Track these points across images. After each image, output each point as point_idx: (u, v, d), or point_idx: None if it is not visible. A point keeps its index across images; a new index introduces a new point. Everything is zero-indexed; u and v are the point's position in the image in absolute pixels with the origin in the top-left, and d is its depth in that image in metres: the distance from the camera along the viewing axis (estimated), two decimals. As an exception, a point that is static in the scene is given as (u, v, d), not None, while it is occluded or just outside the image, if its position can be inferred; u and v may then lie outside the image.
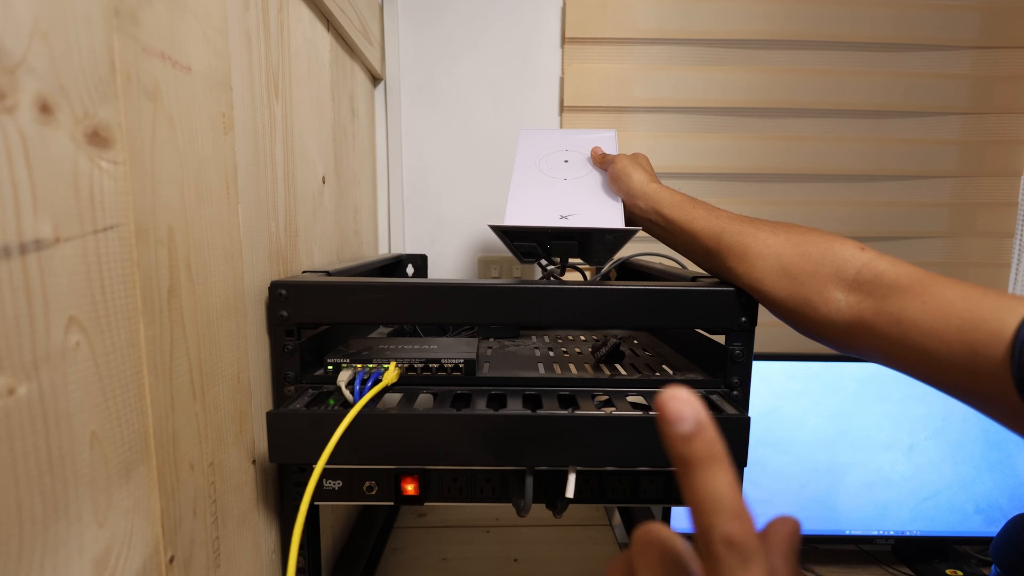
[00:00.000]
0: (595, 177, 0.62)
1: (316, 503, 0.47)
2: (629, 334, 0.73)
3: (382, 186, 0.94)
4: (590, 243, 0.54)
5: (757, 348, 0.50)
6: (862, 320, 0.39)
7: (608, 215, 0.57)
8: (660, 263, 0.71)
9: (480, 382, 0.50)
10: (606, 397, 0.48)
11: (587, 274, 0.85)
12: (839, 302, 0.41)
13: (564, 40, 0.91)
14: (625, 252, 0.73)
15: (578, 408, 0.46)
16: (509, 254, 0.97)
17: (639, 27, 0.90)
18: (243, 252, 0.44)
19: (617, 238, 0.54)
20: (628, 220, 0.57)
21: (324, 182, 0.66)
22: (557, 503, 0.45)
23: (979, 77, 0.93)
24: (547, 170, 0.63)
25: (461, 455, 0.43)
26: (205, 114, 0.38)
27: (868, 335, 0.39)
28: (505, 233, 0.56)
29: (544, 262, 0.76)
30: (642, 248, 0.75)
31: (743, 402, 0.49)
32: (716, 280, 0.51)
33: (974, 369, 0.33)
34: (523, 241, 0.56)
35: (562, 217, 0.57)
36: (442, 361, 0.49)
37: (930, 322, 0.35)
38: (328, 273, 0.53)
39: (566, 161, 0.63)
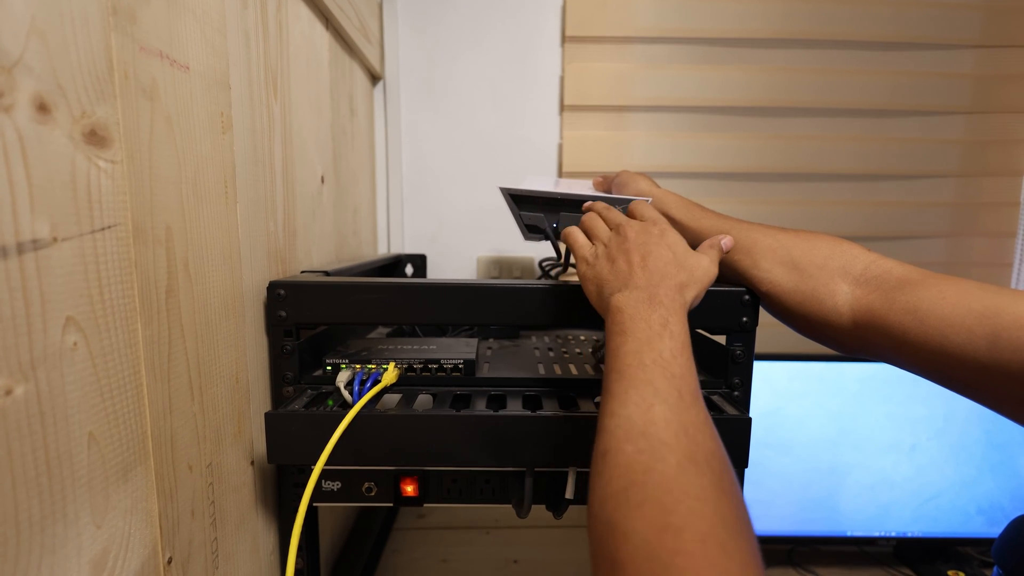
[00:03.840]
0: (601, 193, 0.63)
1: (315, 504, 0.47)
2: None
3: (381, 186, 0.94)
4: None
5: (758, 348, 0.50)
6: (871, 311, 0.40)
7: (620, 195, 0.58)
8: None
9: (480, 382, 0.50)
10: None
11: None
12: (846, 295, 0.42)
13: (564, 39, 0.91)
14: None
15: (578, 409, 0.45)
16: (509, 254, 0.97)
17: (639, 26, 0.90)
18: (241, 252, 0.44)
19: (627, 211, 0.54)
20: None
21: (323, 182, 0.66)
22: (557, 504, 0.45)
23: (981, 76, 0.93)
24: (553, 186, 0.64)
25: (461, 456, 0.43)
26: (203, 113, 0.38)
27: (879, 327, 0.39)
28: (513, 199, 0.56)
29: (546, 263, 0.75)
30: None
31: (744, 403, 0.49)
32: (717, 280, 0.51)
33: (995, 355, 0.33)
34: (531, 210, 0.56)
35: None
36: (441, 361, 0.49)
37: (950, 309, 0.35)
38: (327, 273, 0.53)
39: (569, 189, 0.64)
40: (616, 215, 0.45)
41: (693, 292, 0.38)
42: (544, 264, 0.77)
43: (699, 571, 0.22)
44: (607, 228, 0.43)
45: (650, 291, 0.36)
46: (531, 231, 0.57)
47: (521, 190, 0.56)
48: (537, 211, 0.56)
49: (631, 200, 0.54)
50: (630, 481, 0.26)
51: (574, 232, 0.45)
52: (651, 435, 0.28)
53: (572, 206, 0.56)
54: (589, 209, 0.48)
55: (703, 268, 0.39)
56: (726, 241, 0.43)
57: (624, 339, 0.33)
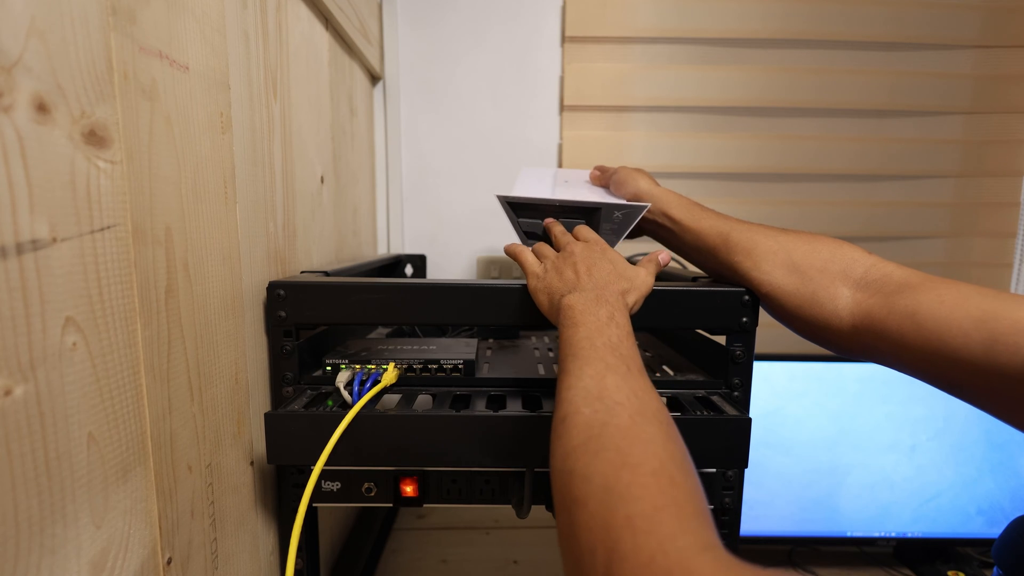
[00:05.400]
0: (597, 188, 0.62)
1: (314, 505, 0.47)
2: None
3: (381, 186, 0.94)
4: (597, 222, 0.55)
5: (758, 348, 0.50)
6: (871, 315, 0.40)
7: (616, 201, 0.57)
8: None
9: (479, 383, 0.50)
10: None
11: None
12: (846, 298, 0.42)
13: (564, 39, 0.91)
14: (625, 252, 0.73)
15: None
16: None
17: (639, 26, 0.90)
18: (241, 252, 0.44)
19: (627, 215, 0.54)
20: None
21: (323, 182, 0.66)
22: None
23: (981, 76, 0.93)
24: (549, 182, 0.63)
25: (460, 456, 0.43)
26: (203, 113, 0.38)
27: (878, 331, 0.39)
28: (511, 206, 0.56)
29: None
30: (642, 249, 0.75)
31: (744, 403, 0.49)
32: (717, 280, 0.51)
33: (992, 360, 0.33)
34: (528, 217, 0.56)
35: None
36: (441, 362, 0.49)
37: (948, 312, 0.35)
38: (327, 273, 0.53)
39: (566, 181, 0.63)
40: (564, 237, 0.50)
41: (633, 297, 0.42)
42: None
43: (652, 498, 0.25)
44: (554, 251, 0.48)
45: (596, 292, 0.40)
46: (530, 237, 0.57)
47: (518, 197, 0.55)
48: (535, 218, 0.56)
49: (629, 205, 0.54)
50: (589, 435, 0.29)
51: (524, 251, 0.50)
52: (605, 398, 0.31)
53: (570, 213, 0.55)
54: (549, 227, 0.53)
55: (641, 278, 0.44)
56: (663, 256, 0.49)
57: (576, 329, 0.37)
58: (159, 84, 0.33)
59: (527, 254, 0.49)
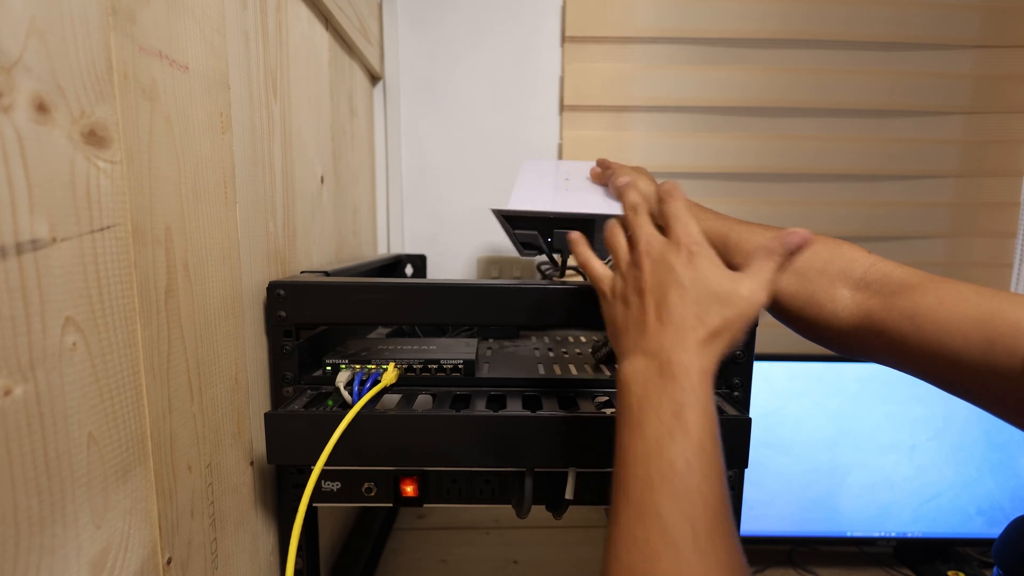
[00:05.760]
0: (598, 188, 0.62)
1: (314, 505, 0.47)
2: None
3: (381, 186, 0.94)
4: (593, 232, 0.54)
5: (758, 348, 0.50)
6: (870, 316, 0.40)
7: (613, 209, 0.57)
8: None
9: (479, 383, 0.50)
10: (606, 398, 0.48)
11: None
12: (845, 299, 0.42)
13: (564, 39, 0.91)
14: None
15: (578, 409, 0.45)
16: (509, 254, 0.97)
17: (639, 26, 0.90)
18: (241, 252, 0.44)
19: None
20: None
21: (323, 182, 0.66)
22: (557, 504, 0.45)
23: (981, 76, 0.93)
24: (550, 182, 0.63)
25: (460, 456, 0.43)
26: (203, 113, 0.38)
27: (877, 331, 0.39)
28: (507, 219, 0.56)
29: (544, 266, 0.75)
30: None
31: (744, 403, 0.49)
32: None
33: (991, 360, 0.33)
34: (524, 229, 0.56)
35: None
36: (441, 362, 0.49)
37: (946, 314, 0.35)
38: (327, 273, 0.53)
39: (567, 179, 0.63)
40: (642, 227, 0.36)
41: (725, 340, 0.31)
42: (542, 267, 0.77)
43: None
44: (627, 250, 0.37)
45: (663, 358, 0.31)
46: (527, 248, 0.57)
47: (514, 211, 0.55)
48: (531, 228, 0.56)
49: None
50: None
51: (592, 262, 0.40)
52: None
53: (565, 224, 0.55)
54: (623, 192, 0.41)
55: (742, 301, 0.32)
56: (793, 239, 0.34)
57: (632, 437, 0.29)
58: (159, 84, 0.33)
59: (594, 264, 0.39)
